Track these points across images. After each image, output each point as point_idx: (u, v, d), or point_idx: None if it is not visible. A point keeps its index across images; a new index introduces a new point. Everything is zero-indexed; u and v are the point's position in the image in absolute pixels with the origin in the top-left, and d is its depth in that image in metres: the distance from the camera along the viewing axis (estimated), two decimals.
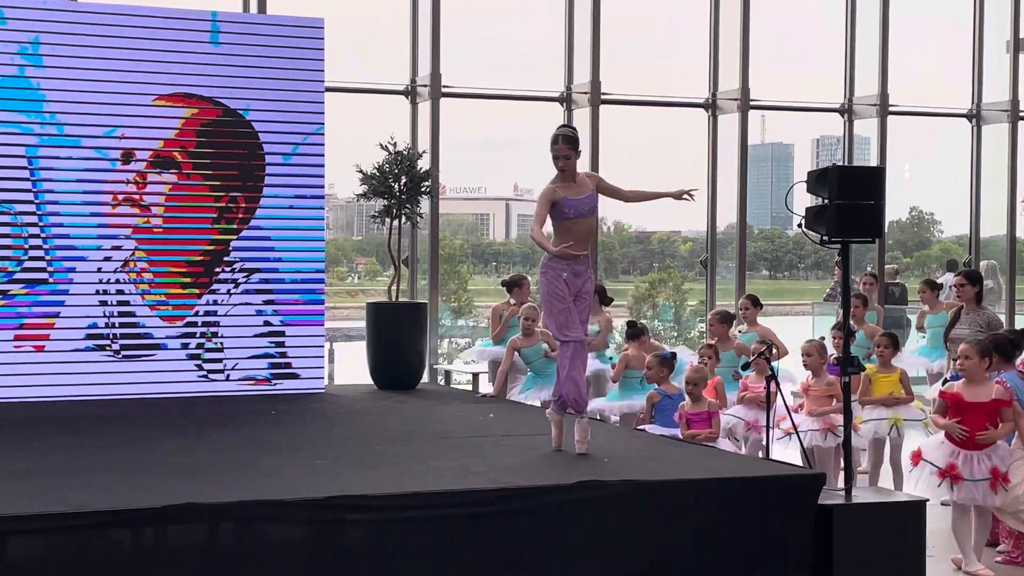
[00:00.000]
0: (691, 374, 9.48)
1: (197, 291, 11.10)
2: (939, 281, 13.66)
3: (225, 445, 8.36)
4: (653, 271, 20.86)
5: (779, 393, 8.96)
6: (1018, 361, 8.82)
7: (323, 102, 11.50)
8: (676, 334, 19.54)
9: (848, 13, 15.09)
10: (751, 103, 14.54)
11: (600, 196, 8.26)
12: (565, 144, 8.06)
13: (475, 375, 12.46)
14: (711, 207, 14.69)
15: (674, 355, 10.20)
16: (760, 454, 9.52)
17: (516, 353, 11.12)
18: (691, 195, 8.32)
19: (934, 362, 12.09)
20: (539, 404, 10.91)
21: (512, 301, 11.95)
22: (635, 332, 10.99)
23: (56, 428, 9.13)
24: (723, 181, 14.66)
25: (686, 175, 15.27)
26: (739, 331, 11.50)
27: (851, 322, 9.22)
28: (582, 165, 13.77)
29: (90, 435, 8.80)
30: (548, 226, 8.13)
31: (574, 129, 8.24)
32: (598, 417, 10.74)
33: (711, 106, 14.63)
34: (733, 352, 10.76)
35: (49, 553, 5.95)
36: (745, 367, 10.10)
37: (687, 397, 9.42)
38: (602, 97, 13.85)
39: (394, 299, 11.87)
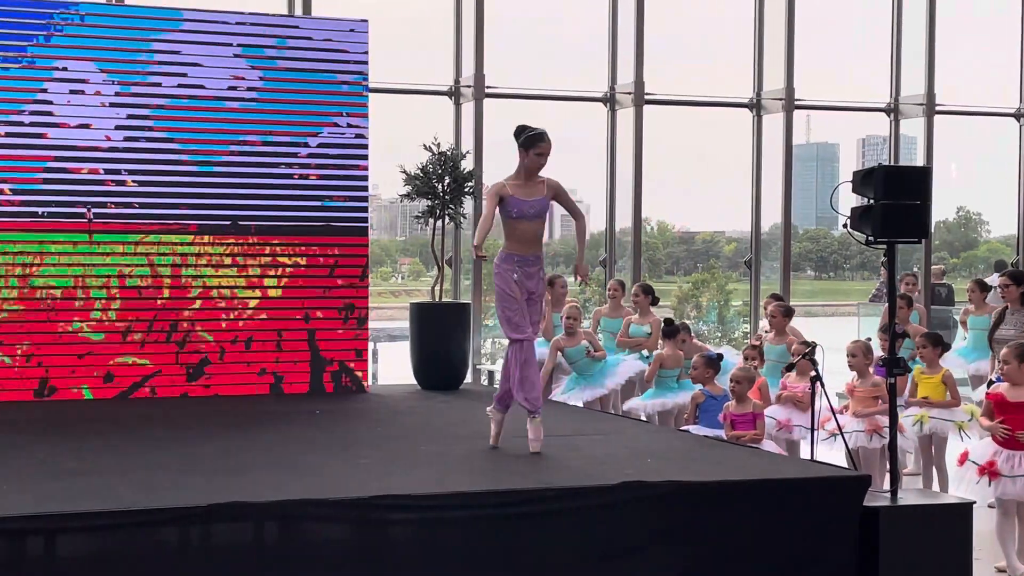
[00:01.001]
0: (737, 373, 9.44)
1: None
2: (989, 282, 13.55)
3: (270, 444, 8.40)
4: (697, 272, 20.80)
5: (824, 394, 8.90)
6: None
7: (367, 103, 11.56)
8: (720, 335, 19.47)
9: (895, 12, 14.99)
10: (796, 103, 14.48)
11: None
12: (549, 145, 8.09)
13: None
14: (755, 207, 14.64)
15: (720, 356, 10.16)
16: (790, 454, 9.49)
17: (559, 353, 11.12)
18: (585, 280, 8.51)
19: (972, 363, 11.97)
20: (581, 404, 10.91)
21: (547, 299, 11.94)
22: (671, 331, 10.96)
23: (104, 427, 9.22)
24: (767, 181, 14.60)
25: (730, 175, 15.22)
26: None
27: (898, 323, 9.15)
28: (624, 167, 13.88)
29: (137, 434, 8.88)
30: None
31: None
32: (642, 417, 10.73)
33: (755, 106, 14.57)
34: (784, 347, 10.66)
35: (97, 551, 6.00)
36: (789, 368, 10.05)
37: (731, 397, 9.38)
38: (646, 97, 13.82)
39: (437, 299, 11.90)
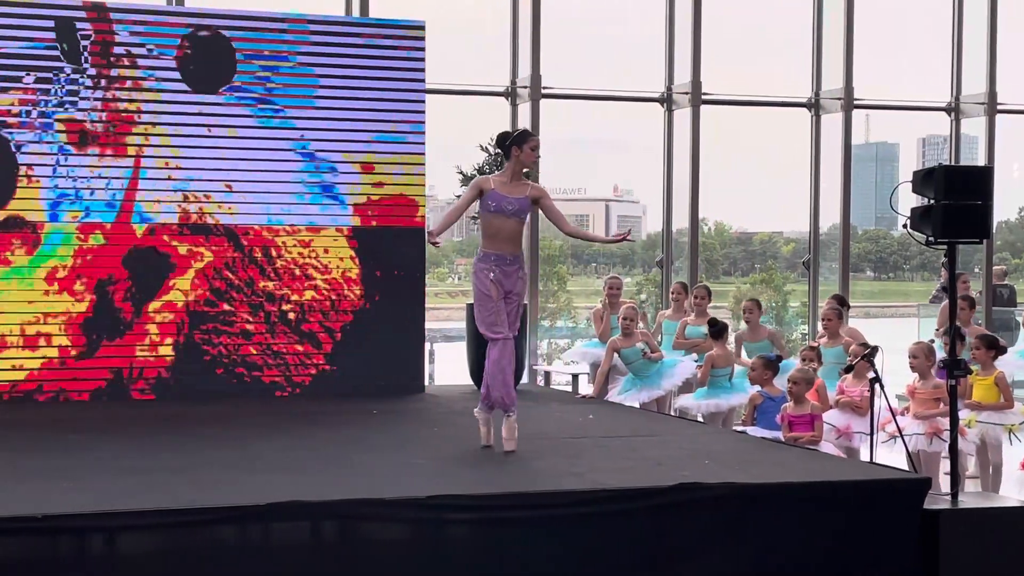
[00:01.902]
0: (795, 373, 9.38)
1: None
2: None
3: (327, 444, 8.45)
4: (755, 272, 20.69)
5: (883, 396, 8.82)
6: None
7: (424, 104, 11.61)
8: None
9: (955, 9, 14.82)
10: (855, 102, 14.35)
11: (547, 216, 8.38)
12: (539, 140, 8.18)
13: (575, 376, 12.46)
14: (814, 208, 14.53)
15: (779, 357, 10.10)
16: (842, 453, 9.41)
17: (616, 354, 11.10)
18: (629, 237, 8.43)
19: None
20: (638, 405, 10.88)
21: (607, 301, 11.92)
22: (718, 330, 10.92)
23: (163, 425, 9.31)
24: (826, 181, 14.48)
25: (788, 176, 15.12)
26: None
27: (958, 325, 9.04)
28: (682, 167, 13.82)
29: (197, 432, 8.97)
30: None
31: None
32: (699, 417, 10.69)
33: (814, 106, 14.46)
34: (840, 348, 10.57)
35: (157, 549, 6.07)
36: (848, 370, 9.97)
37: (789, 398, 9.32)
38: (703, 97, 13.76)
39: None
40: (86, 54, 10.75)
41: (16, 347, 10.64)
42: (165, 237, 10.97)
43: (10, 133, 10.60)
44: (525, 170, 8.23)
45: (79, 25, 10.74)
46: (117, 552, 6.01)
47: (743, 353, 11.18)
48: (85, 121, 10.76)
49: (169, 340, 10.97)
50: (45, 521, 5.91)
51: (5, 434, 8.81)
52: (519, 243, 8.29)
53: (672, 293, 12.19)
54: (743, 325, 11.69)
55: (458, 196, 11.91)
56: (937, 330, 11.50)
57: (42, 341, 10.68)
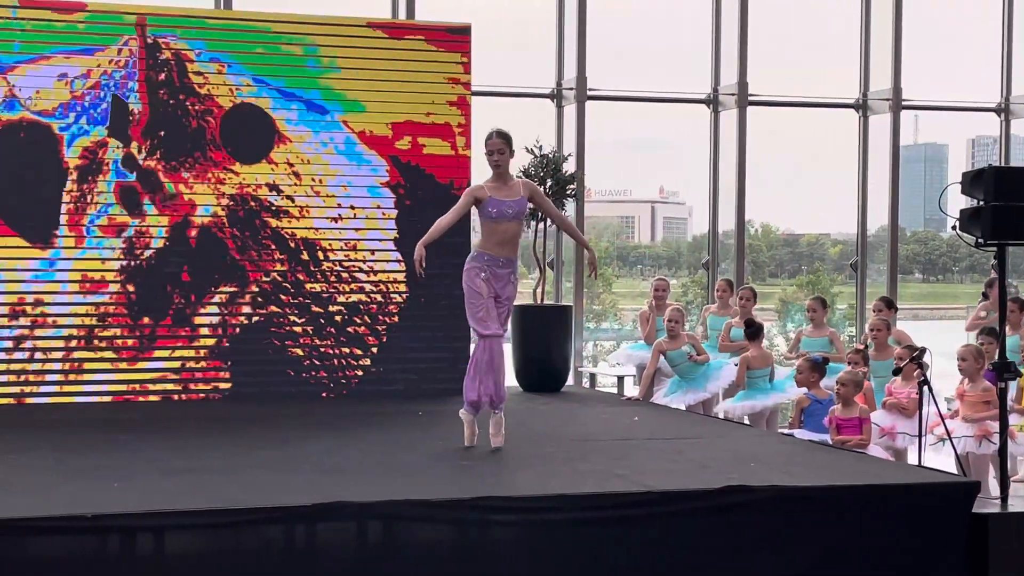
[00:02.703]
0: (843, 376, 9.32)
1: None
2: None
3: (373, 445, 8.48)
4: (801, 274, 20.56)
5: (932, 398, 8.75)
6: None
7: (470, 106, 11.63)
8: None
9: (1004, 9, 14.68)
10: (903, 103, 14.25)
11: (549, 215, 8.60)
12: (499, 139, 8.27)
13: (620, 378, 12.44)
14: (861, 209, 14.44)
15: (826, 360, 10.04)
16: (890, 457, 9.34)
17: (662, 356, 11.07)
18: (594, 274, 8.68)
19: None
20: (684, 407, 10.84)
21: (654, 304, 11.91)
22: (754, 331, 10.87)
23: (209, 426, 9.38)
24: (874, 183, 14.39)
25: (835, 177, 15.03)
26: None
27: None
28: (728, 168, 13.76)
29: (243, 433, 9.02)
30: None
31: (507, 131, 8.38)
32: (745, 420, 10.64)
33: (862, 107, 14.37)
34: (891, 361, 10.47)
35: (204, 549, 6.11)
36: (896, 372, 9.89)
37: (837, 400, 9.26)
38: (749, 98, 13.70)
39: (539, 302, 11.91)
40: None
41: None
42: (217, 236, 11.05)
43: None
44: (517, 174, 8.35)
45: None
46: (164, 551, 6.06)
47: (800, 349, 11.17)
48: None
49: (216, 341, 11.05)
50: (94, 520, 5.97)
51: (56, 434, 8.90)
52: (516, 246, 8.43)
53: (717, 290, 12.21)
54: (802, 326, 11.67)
55: None
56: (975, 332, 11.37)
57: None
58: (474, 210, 8.53)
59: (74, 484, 6.89)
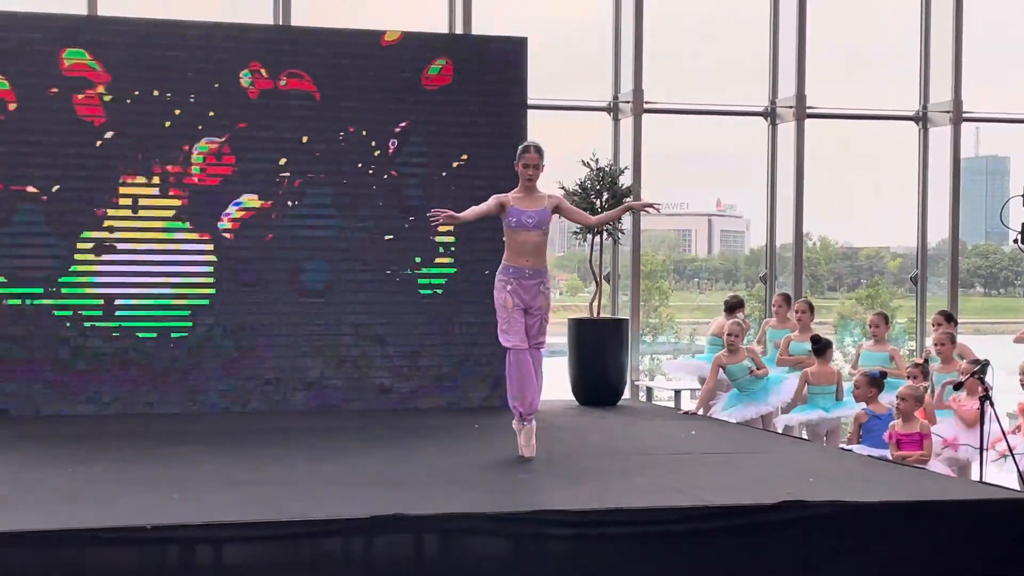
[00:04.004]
0: (904, 390, 9.23)
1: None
2: None
3: (430, 457, 8.50)
4: (860, 288, 20.38)
5: (994, 414, 8.64)
6: None
7: (526, 119, 11.66)
8: None
9: None
10: (964, 115, 14.12)
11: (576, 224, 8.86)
12: (537, 154, 8.32)
13: (677, 392, 12.40)
14: (921, 222, 14.31)
15: (884, 374, 9.94)
16: (952, 472, 9.23)
17: (721, 370, 11.02)
18: (656, 208, 8.61)
19: None
20: (741, 421, 10.77)
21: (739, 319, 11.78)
22: (820, 347, 10.78)
23: (270, 438, 9.44)
24: (934, 195, 14.26)
25: (895, 190, 14.90)
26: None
27: None
28: (786, 181, 13.68)
29: (302, 445, 9.07)
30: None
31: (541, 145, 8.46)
32: (804, 434, 10.56)
33: (922, 119, 14.25)
34: (955, 374, 10.37)
35: (262, 560, 6.14)
36: (958, 387, 9.78)
37: (897, 415, 9.17)
38: (807, 111, 13.63)
39: (595, 315, 11.90)
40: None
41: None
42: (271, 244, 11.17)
43: None
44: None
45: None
46: (223, 563, 6.10)
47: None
48: None
49: (272, 355, 11.14)
50: (154, 531, 6.02)
51: (118, 445, 9.00)
52: (541, 257, 8.43)
53: (774, 305, 12.15)
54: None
55: None
56: None
57: None
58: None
59: (135, 495, 6.96)
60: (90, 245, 10.81)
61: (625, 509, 6.70)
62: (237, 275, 11.10)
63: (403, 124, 11.41)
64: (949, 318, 11.51)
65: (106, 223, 10.83)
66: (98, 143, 10.81)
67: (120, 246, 10.88)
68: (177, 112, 10.96)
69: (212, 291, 11.06)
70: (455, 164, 11.51)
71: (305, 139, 11.22)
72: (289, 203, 11.20)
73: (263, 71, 11.11)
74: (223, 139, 11.02)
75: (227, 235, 11.05)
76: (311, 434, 9.65)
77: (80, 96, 10.77)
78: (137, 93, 10.86)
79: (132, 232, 10.90)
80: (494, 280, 8.48)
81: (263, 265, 11.14)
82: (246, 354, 11.09)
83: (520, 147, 8.45)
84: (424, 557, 6.35)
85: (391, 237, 11.40)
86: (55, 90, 10.72)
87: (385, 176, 11.40)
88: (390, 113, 11.39)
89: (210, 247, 11.03)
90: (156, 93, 10.91)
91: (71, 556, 5.91)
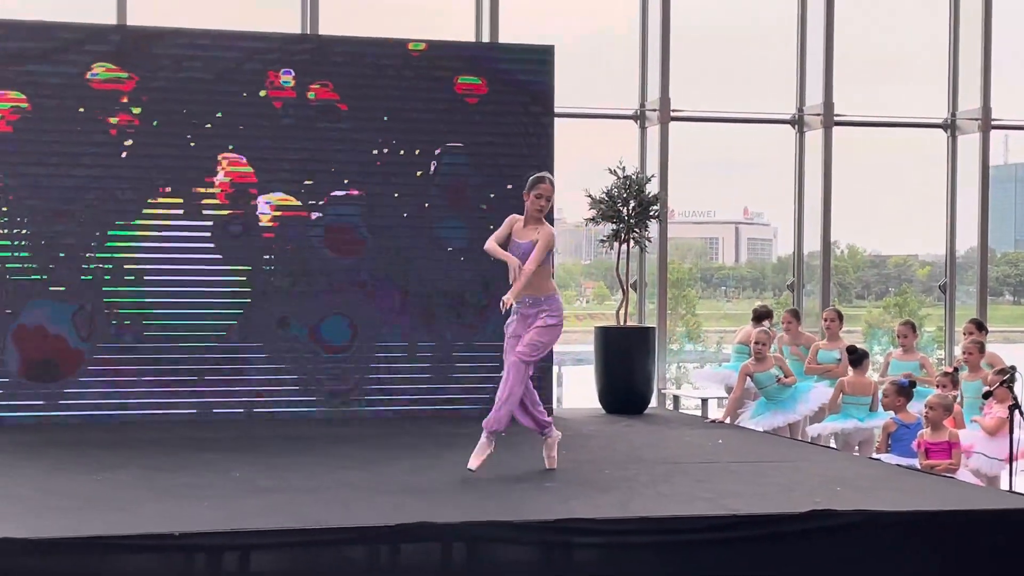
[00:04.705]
0: (932, 399, 9.17)
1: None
2: None
3: (456, 465, 8.48)
4: (888, 296, 20.29)
5: (1022, 423, 8.58)
6: None
7: (553, 128, 11.66)
8: None
9: None
10: (993, 123, 14.05)
11: None
12: (550, 185, 8.18)
13: (704, 400, 12.36)
14: (950, 230, 14.24)
15: (912, 383, 9.89)
16: (976, 479, 9.16)
17: (748, 378, 10.98)
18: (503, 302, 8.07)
19: None
20: (770, 430, 10.72)
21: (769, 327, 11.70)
22: (857, 358, 10.72)
23: (295, 445, 9.46)
24: (963, 203, 14.19)
25: (923, 197, 14.83)
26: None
27: None
28: (813, 189, 13.64)
29: (327, 453, 9.08)
30: None
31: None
32: (832, 443, 10.52)
33: (950, 126, 14.19)
34: (980, 383, 10.31)
35: (289, 568, 6.15)
36: (987, 395, 9.71)
37: (925, 424, 9.11)
38: (835, 119, 13.59)
39: (622, 323, 11.88)
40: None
41: None
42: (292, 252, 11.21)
43: None
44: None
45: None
46: (249, 570, 6.11)
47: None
48: None
49: (299, 364, 11.18)
50: (181, 539, 6.04)
51: (145, 452, 9.03)
52: (537, 285, 8.11)
53: (783, 321, 11.96)
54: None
55: (587, 220, 11.98)
56: None
57: None
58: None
59: (162, 503, 6.98)
60: (120, 256, 10.85)
61: (651, 518, 6.68)
62: (268, 283, 11.12)
63: (437, 148, 11.45)
64: (980, 327, 11.44)
65: (135, 232, 10.89)
66: (123, 155, 10.85)
67: (150, 256, 10.91)
68: (208, 126, 11.01)
69: (244, 300, 11.09)
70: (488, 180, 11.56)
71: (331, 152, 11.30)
72: (316, 214, 11.25)
73: (291, 79, 11.14)
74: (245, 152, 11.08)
75: (265, 235, 11.08)
76: (336, 442, 9.66)
77: (107, 108, 10.81)
78: (163, 104, 10.90)
79: (160, 242, 10.93)
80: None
81: (296, 268, 11.20)
82: (273, 360, 11.13)
83: (533, 177, 8.25)
84: (450, 565, 6.35)
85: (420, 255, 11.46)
86: (81, 108, 10.77)
87: (415, 192, 11.46)
88: (423, 125, 11.41)
89: (240, 255, 11.07)
90: (184, 111, 10.95)
91: (97, 563, 5.93)
